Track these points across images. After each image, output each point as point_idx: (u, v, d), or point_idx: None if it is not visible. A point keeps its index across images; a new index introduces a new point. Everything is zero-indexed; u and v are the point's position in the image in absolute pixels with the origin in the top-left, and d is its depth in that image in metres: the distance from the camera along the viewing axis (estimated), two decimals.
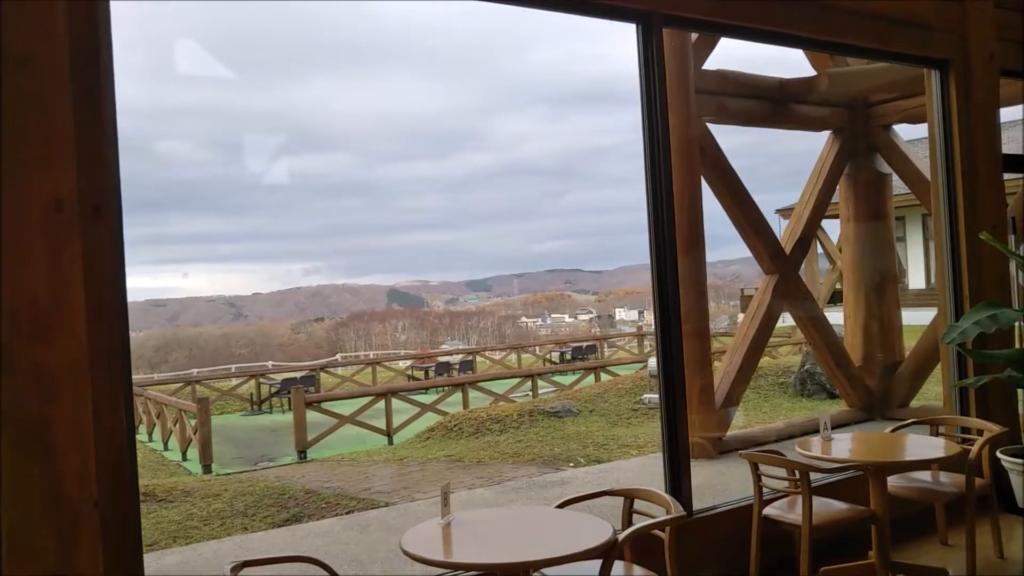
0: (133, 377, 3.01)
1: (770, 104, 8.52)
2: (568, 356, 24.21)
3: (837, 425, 8.89)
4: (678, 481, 4.31)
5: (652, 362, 13.00)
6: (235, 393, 21.46)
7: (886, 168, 9.09)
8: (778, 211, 33.82)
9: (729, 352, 8.10)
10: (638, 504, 3.59)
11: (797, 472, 4.16)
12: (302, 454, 13.46)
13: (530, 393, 16.12)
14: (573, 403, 12.51)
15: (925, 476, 4.58)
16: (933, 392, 10.49)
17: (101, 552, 2.60)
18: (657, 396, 11.84)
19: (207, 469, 12.67)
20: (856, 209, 9.14)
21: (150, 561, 5.44)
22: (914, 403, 9.07)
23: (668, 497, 3.21)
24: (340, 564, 5.20)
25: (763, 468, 4.15)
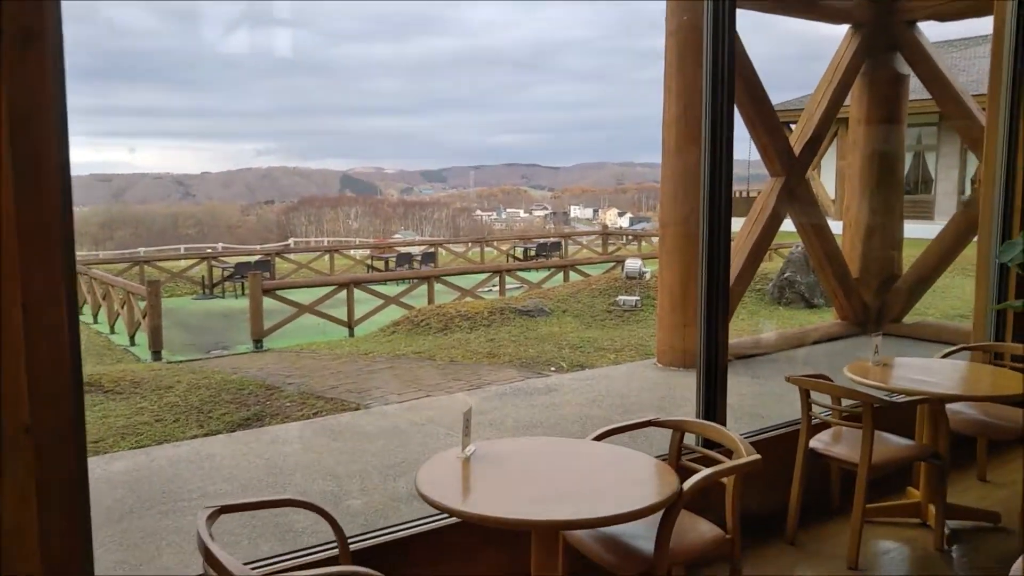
0: (76, 254, 2.29)
1: None
2: (532, 253, 23.66)
3: (825, 339, 8.54)
4: (713, 408, 3.77)
5: (629, 263, 12.51)
6: (185, 275, 20.57)
7: (905, 69, 8.46)
8: None
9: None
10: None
11: (841, 401, 3.68)
12: (258, 343, 12.83)
13: (496, 289, 15.58)
14: (544, 302, 12.01)
15: (971, 407, 4.12)
16: (926, 308, 10.17)
17: (35, 493, 1.99)
18: (632, 299, 11.37)
19: (157, 356, 11.99)
20: (868, 111, 8.53)
21: (96, 466, 4.83)
22: (907, 319, 8.72)
23: (737, 437, 2.66)
24: (314, 478, 4.66)
25: (813, 395, 3.63)
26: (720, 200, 3.62)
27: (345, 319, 13.76)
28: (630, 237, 28.36)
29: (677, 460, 2.92)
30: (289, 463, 4.95)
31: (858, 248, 8.63)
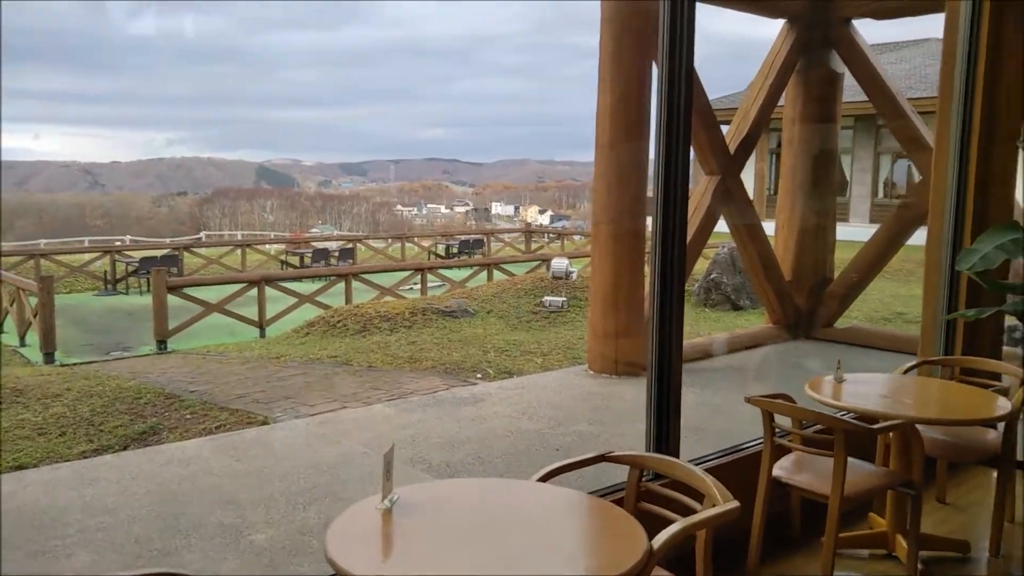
0: None
1: None
2: (455, 250, 23.13)
3: (755, 344, 8.31)
4: (666, 436, 3.37)
5: (555, 262, 12.16)
6: (87, 270, 19.38)
7: (840, 67, 8.29)
8: None
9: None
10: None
11: (801, 423, 3.34)
12: (162, 344, 12.02)
13: (418, 288, 15.04)
14: (468, 302, 11.55)
15: (936, 428, 3.83)
16: (848, 311, 10.05)
17: None
18: (559, 300, 11.01)
19: (49, 358, 11.08)
20: (803, 110, 8.34)
21: None
22: (839, 323, 8.57)
23: (712, 484, 2.26)
24: (212, 507, 4.11)
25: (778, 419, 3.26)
26: (675, 199, 3.22)
27: (256, 319, 13.04)
28: (553, 235, 28.11)
29: (635, 503, 2.51)
30: (185, 489, 4.39)
31: (791, 250, 8.44)
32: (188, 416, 6.31)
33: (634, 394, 6.12)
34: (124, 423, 6.34)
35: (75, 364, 10.12)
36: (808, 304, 8.42)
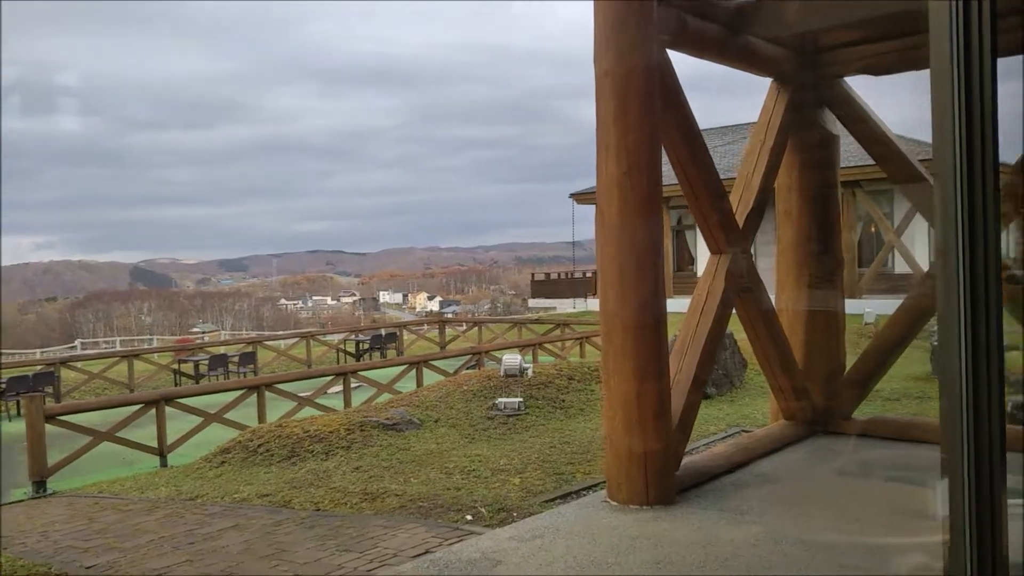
0: None
1: (725, 31, 6.53)
2: (366, 346, 21.45)
3: (775, 446, 7.17)
4: None
5: (507, 358, 10.84)
6: None
7: (836, 128, 7.45)
8: (573, 195, 32.80)
9: (675, 355, 6.03)
10: None
11: None
12: (40, 485, 9.96)
13: (340, 394, 13.37)
14: (410, 411, 10.04)
15: None
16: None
17: None
18: (515, 401, 9.62)
19: None
20: (800, 177, 7.42)
21: None
22: (857, 413, 7.54)
23: None
24: None
25: None
26: (986, 265, 1.99)
27: (155, 445, 11.11)
28: (467, 324, 26.79)
29: None
30: None
31: (799, 335, 7.39)
32: None
33: (689, 533, 4.79)
34: None
35: None
36: (821, 395, 7.37)
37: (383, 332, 22.51)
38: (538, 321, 24.18)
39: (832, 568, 4.32)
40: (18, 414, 15.69)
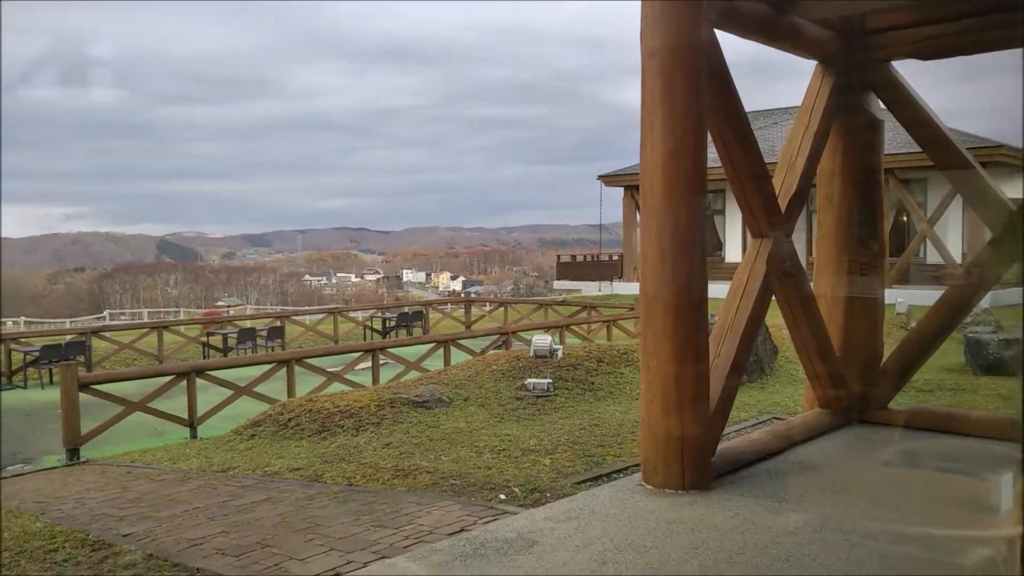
0: None
1: (773, 11, 6.41)
2: (392, 323, 21.51)
3: (811, 434, 7.08)
4: None
5: (537, 340, 10.81)
6: None
7: (880, 113, 7.30)
8: (601, 177, 32.60)
9: (714, 339, 5.96)
10: None
11: None
12: (73, 453, 10.10)
13: (368, 370, 13.40)
14: (440, 389, 10.05)
15: None
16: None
17: None
18: (544, 382, 9.61)
19: None
20: (844, 161, 7.29)
21: None
22: (893, 404, 7.44)
23: None
24: None
25: None
26: None
27: (186, 416, 11.20)
28: (492, 304, 26.78)
29: None
30: None
31: (838, 322, 7.29)
32: None
33: (727, 519, 4.75)
34: None
35: None
36: (858, 384, 7.27)
37: (409, 310, 22.55)
38: (564, 303, 24.11)
39: (873, 558, 4.26)
40: (51, 382, 15.88)
